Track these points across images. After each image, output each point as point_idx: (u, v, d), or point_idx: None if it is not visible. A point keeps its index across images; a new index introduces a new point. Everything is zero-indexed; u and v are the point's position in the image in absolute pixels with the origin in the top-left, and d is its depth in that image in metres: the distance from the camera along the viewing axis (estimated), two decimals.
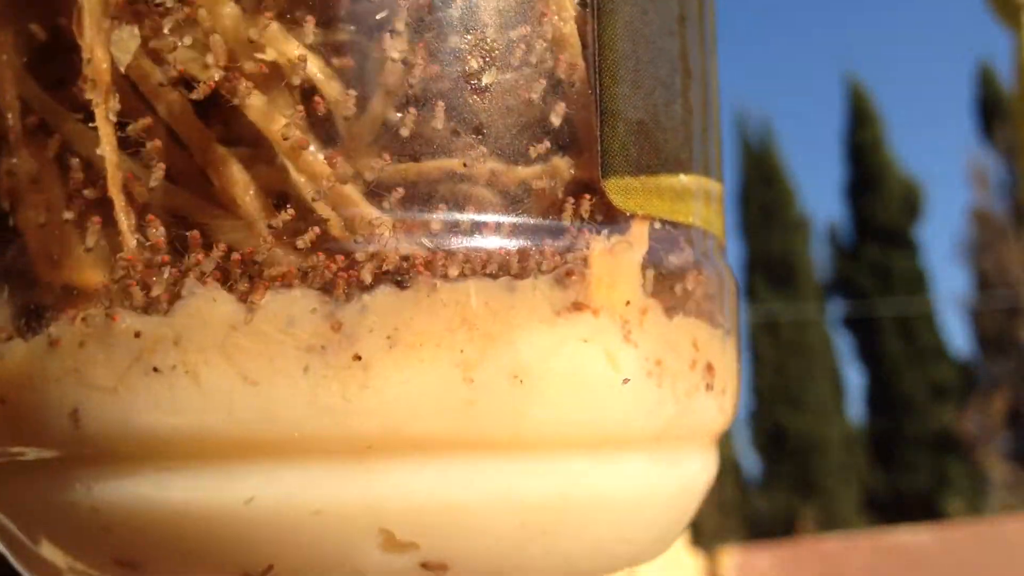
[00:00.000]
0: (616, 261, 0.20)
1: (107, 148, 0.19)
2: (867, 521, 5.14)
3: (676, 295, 0.21)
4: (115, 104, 0.20)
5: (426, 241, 0.19)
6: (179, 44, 0.20)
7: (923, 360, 5.69)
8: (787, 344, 5.58)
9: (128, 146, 0.20)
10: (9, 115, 0.21)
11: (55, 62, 0.21)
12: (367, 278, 0.18)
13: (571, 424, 0.19)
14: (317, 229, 0.19)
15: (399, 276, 0.18)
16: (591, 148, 0.20)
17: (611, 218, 0.20)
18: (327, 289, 0.18)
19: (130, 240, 0.19)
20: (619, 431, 0.20)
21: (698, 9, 0.24)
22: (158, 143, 0.19)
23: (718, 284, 0.23)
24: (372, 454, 0.18)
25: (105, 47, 0.20)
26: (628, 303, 0.20)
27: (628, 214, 0.21)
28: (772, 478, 5.53)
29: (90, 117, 0.20)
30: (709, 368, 0.22)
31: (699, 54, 0.23)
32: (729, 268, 0.24)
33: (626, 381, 0.20)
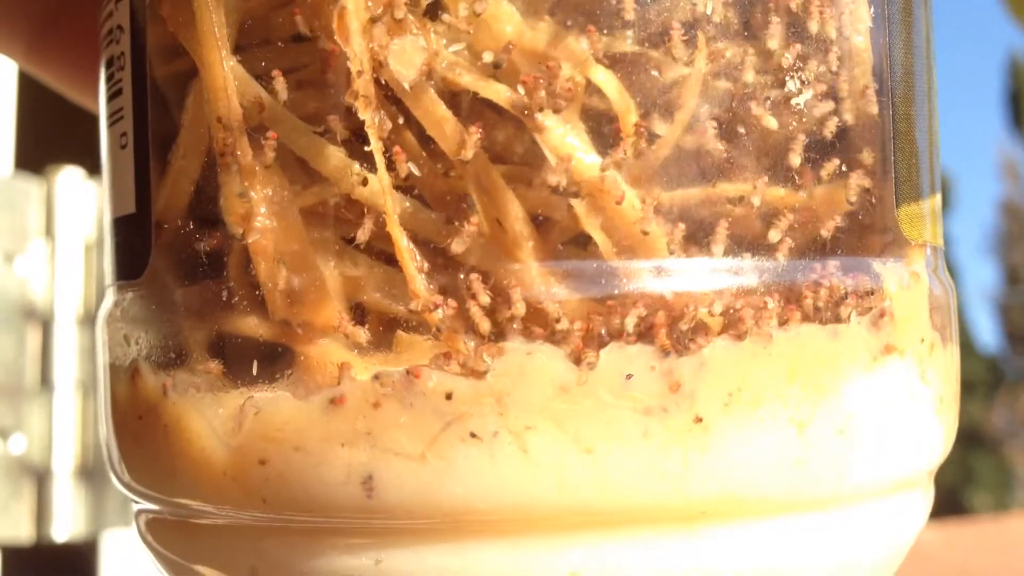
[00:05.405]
0: (911, 296, 0.19)
1: (384, 181, 0.17)
2: None
3: (944, 324, 0.20)
4: (387, 123, 0.17)
5: (759, 285, 0.17)
6: (452, 54, 0.17)
7: None
8: None
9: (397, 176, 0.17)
10: (238, 133, 0.18)
11: (294, 71, 0.18)
12: (705, 329, 0.17)
13: (885, 473, 0.18)
14: (647, 275, 0.17)
15: (737, 325, 0.17)
16: (885, 175, 0.19)
17: (899, 250, 0.19)
18: (663, 344, 0.16)
19: (421, 289, 0.17)
20: (915, 473, 0.19)
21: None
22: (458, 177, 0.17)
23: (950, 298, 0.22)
24: (703, 520, 0.17)
25: (369, 57, 0.17)
26: (922, 340, 0.19)
27: (911, 244, 0.19)
28: None
29: (329, 130, 0.18)
30: (958, 396, 0.21)
31: (931, 53, 0.22)
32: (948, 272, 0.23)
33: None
